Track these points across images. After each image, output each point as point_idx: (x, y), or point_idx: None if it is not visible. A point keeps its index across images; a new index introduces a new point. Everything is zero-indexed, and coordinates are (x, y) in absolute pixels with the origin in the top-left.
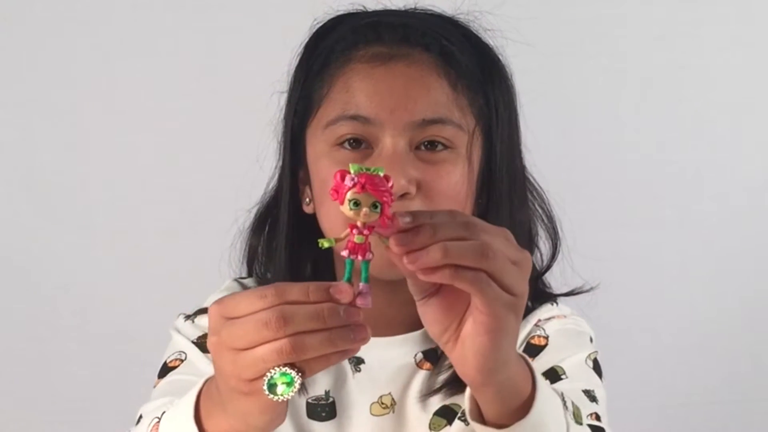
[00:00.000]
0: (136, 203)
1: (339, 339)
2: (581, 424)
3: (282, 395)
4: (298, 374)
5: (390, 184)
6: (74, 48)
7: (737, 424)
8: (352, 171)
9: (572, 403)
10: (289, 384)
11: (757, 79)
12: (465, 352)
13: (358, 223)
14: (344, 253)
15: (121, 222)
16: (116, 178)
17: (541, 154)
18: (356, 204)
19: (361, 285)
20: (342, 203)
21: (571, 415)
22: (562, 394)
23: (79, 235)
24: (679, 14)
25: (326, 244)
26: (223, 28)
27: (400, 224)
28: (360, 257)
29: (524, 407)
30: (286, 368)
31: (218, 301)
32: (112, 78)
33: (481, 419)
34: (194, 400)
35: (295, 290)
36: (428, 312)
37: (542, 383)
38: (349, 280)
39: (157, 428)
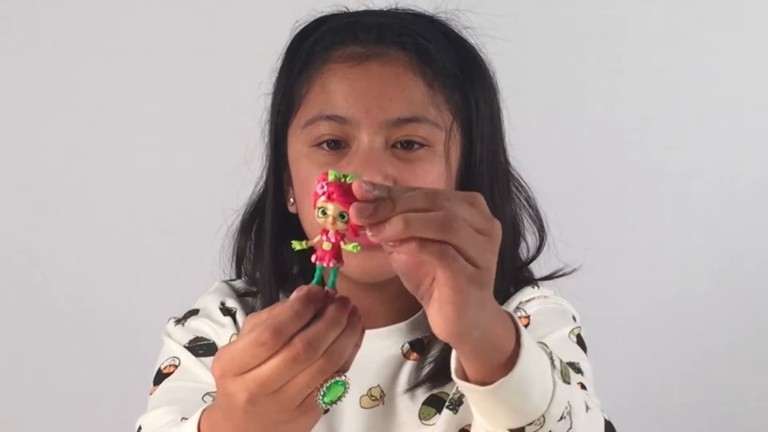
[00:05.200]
0: (135, 203)
1: (356, 331)
2: (569, 383)
3: (339, 400)
4: (344, 375)
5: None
6: (74, 48)
7: (737, 424)
8: (329, 177)
9: (561, 362)
10: (343, 386)
11: (756, 79)
12: (433, 313)
13: (329, 232)
14: (312, 258)
15: (120, 222)
16: (115, 178)
17: (539, 152)
18: (324, 212)
19: (328, 290)
20: (314, 207)
21: (559, 374)
22: (550, 353)
23: (78, 235)
24: (679, 14)
25: (298, 247)
26: (212, 30)
27: (362, 194)
28: (326, 264)
29: (508, 365)
30: (336, 378)
31: (219, 363)
32: (111, 78)
33: (464, 376)
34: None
35: (284, 313)
36: (399, 268)
37: (528, 342)
38: (319, 283)
39: None
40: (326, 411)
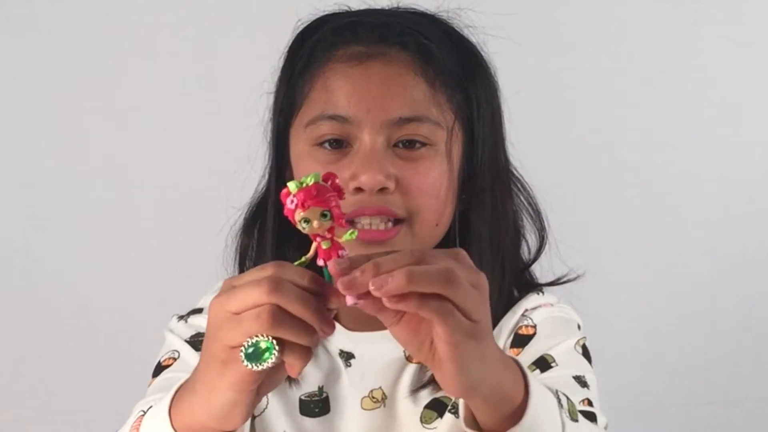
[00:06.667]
0: (136, 203)
1: (309, 334)
2: (577, 420)
3: (257, 363)
4: (277, 347)
5: (333, 181)
6: (74, 48)
7: (737, 424)
8: (291, 189)
9: (567, 399)
10: (267, 350)
11: (756, 79)
12: (440, 373)
13: (319, 233)
14: (320, 262)
15: (121, 222)
16: (115, 178)
17: (539, 152)
18: (307, 221)
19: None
20: (294, 224)
21: (567, 413)
22: (557, 391)
23: (78, 235)
24: (679, 14)
25: (303, 262)
26: (213, 30)
27: (337, 270)
28: (336, 257)
29: (518, 412)
30: (270, 338)
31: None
32: (112, 78)
33: (476, 425)
34: (174, 392)
35: (292, 269)
36: (398, 335)
37: (535, 387)
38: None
39: (141, 421)
40: (254, 372)
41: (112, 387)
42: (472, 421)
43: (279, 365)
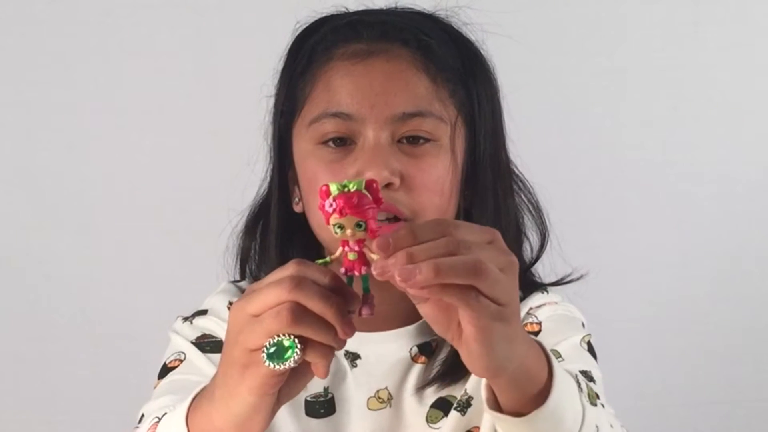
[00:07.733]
0: (136, 204)
1: (330, 332)
2: (595, 405)
3: (279, 362)
4: (299, 345)
5: (374, 189)
6: (74, 48)
7: (737, 424)
8: (332, 190)
9: (586, 384)
10: (290, 348)
11: (756, 79)
12: (466, 353)
13: (349, 242)
14: (342, 271)
15: (121, 222)
16: (116, 178)
17: (538, 151)
18: (341, 227)
19: (366, 294)
20: (328, 224)
21: (586, 397)
22: (576, 376)
23: (78, 235)
24: (679, 14)
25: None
26: (212, 31)
27: (380, 248)
28: (357, 273)
29: (541, 394)
30: (292, 337)
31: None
32: (112, 78)
33: (498, 408)
34: (191, 400)
35: (314, 267)
36: (426, 314)
37: (558, 369)
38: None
39: (156, 428)
40: (277, 372)
41: (111, 387)
42: (494, 402)
43: (304, 369)
